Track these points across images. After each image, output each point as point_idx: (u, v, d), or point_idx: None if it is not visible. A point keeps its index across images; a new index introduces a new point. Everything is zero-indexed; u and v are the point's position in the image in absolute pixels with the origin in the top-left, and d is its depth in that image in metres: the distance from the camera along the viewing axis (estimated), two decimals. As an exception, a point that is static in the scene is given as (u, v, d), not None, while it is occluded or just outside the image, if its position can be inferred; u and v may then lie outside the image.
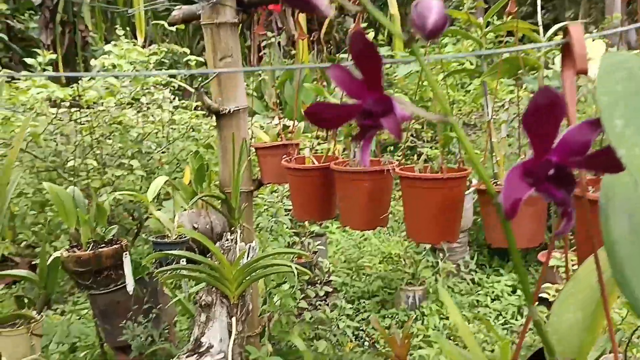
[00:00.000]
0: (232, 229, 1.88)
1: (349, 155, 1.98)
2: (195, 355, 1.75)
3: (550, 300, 2.86)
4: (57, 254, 1.82)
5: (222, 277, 1.75)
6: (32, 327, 2.14)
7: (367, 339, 3.37)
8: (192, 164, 2.23)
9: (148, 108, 2.93)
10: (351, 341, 3.19)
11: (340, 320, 2.48)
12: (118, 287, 2.87)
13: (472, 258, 4.03)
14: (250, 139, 2.23)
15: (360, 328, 3.40)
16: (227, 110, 2.14)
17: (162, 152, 2.71)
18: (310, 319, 2.78)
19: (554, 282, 2.85)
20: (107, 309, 2.85)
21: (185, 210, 2.16)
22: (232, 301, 1.79)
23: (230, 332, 1.78)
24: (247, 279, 1.78)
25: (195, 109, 3.36)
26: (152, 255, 1.81)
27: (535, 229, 1.47)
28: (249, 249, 1.81)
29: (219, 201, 2.13)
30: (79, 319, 3.32)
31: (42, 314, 2.11)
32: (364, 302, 3.74)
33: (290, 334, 2.47)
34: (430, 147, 2.76)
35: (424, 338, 3.34)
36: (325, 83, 3.57)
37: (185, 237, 2.03)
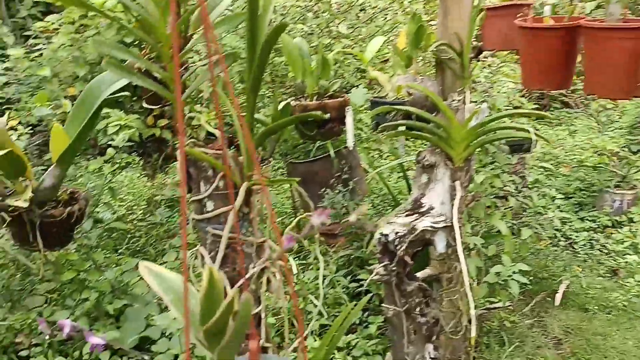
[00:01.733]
0: (460, 89, 1.75)
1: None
2: (415, 215, 1.71)
3: None
4: (287, 101, 1.87)
5: (449, 138, 1.65)
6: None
7: (562, 239, 3.15)
8: (409, 27, 2.10)
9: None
10: (544, 239, 3.00)
11: (549, 209, 2.29)
12: (317, 158, 2.97)
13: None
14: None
15: (556, 228, 3.17)
16: (453, -34, 1.93)
17: (369, 22, 2.62)
18: (508, 208, 2.63)
19: None
20: (306, 177, 2.98)
21: (400, 75, 2.07)
22: (456, 164, 1.70)
23: (452, 196, 1.71)
24: (474, 141, 1.67)
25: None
26: (377, 110, 1.76)
27: None
28: (481, 110, 1.67)
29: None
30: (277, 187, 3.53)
31: (271, 158, 2.25)
32: (558, 202, 3.47)
33: (493, 216, 2.36)
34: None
35: (632, 245, 3.02)
36: None
37: (403, 99, 1.95)
